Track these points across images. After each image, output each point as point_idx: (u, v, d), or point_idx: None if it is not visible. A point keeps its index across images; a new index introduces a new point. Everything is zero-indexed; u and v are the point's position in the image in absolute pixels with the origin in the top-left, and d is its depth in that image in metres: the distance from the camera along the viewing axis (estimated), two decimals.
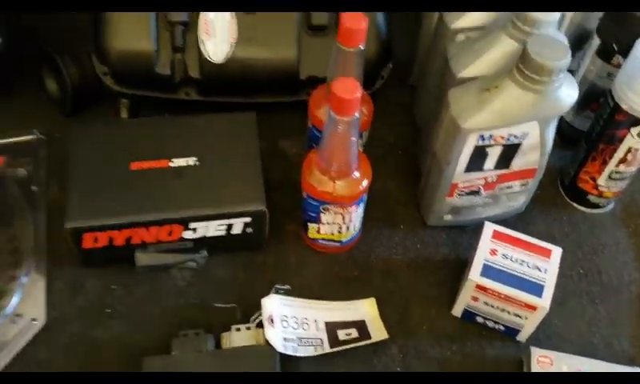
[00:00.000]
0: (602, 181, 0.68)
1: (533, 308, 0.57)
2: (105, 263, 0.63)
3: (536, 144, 0.60)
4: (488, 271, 0.58)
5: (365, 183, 0.60)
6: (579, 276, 0.67)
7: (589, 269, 0.67)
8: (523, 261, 0.58)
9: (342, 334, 0.60)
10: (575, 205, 0.72)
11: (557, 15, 0.58)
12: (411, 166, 0.74)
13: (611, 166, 0.66)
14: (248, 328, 0.58)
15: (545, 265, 0.58)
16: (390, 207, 0.71)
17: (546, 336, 0.62)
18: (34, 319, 0.60)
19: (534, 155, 0.61)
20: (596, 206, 0.71)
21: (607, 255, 0.68)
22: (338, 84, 0.52)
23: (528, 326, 0.59)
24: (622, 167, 0.66)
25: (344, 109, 0.53)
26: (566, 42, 0.58)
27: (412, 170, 0.73)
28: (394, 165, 0.75)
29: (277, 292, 0.62)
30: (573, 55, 0.75)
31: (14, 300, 0.61)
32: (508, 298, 0.57)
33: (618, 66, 0.66)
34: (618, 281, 0.66)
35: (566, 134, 0.76)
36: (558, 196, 0.74)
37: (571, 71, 0.66)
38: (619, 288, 0.66)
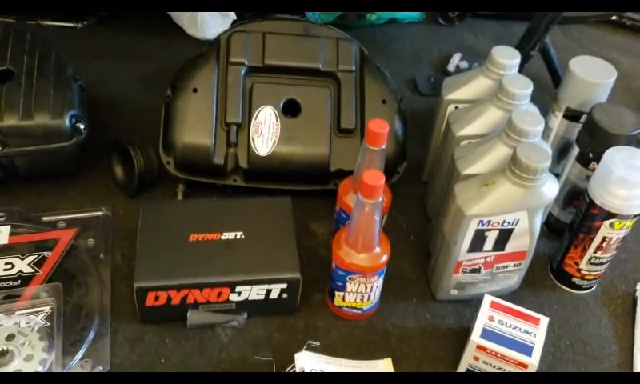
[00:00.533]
0: (583, 265, 0.80)
1: (524, 365, 0.67)
2: (161, 320, 0.74)
3: (526, 230, 0.72)
4: (487, 334, 0.69)
5: (385, 257, 0.73)
6: (566, 346, 0.77)
7: (574, 341, 0.78)
8: (516, 326, 0.69)
9: None
10: (562, 286, 0.84)
11: (541, 128, 0.72)
12: (422, 249, 0.86)
13: (590, 252, 0.78)
14: None
15: (534, 330, 0.69)
16: (403, 284, 0.83)
17: None
18: (99, 366, 0.70)
19: (524, 239, 0.74)
20: (580, 287, 0.83)
21: (590, 330, 0.79)
22: (367, 174, 0.66)
23: None
24: (599, 253, 0.78)
25: (371, 193, 0.66)
26: (548, 149, 0.72)
27: (422, 253, 0.86)
28: (407, 248, 0.87)
29: (309, 347, 0.72)
30: (558, 162, 0.90)
31: (83, 349, 0.71)
32: (503, 357, 0.67)
33: (593, 169, 0.79)
34: (600, 352, 0.77)
35: (554, 226, 0.89)
36: (548, 279, 0.85)
37: (557, 174, 0.80)
38: (601, 358, 0.76)
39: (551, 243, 0.87)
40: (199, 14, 1.15)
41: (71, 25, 1.18)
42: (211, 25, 1.16)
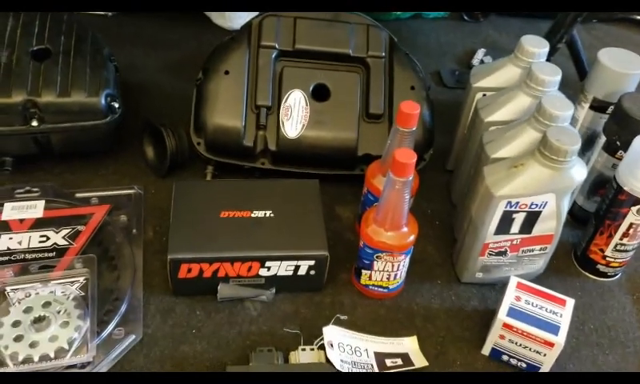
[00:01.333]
0: (609, 252, 0.81)
1: (550, 344, 0.68)
2: (192, 293, 0.76)
3: (553, 213, 0.73)
4: (513, 313, 0.70)
5: (412, 237, 0.74)
6: (590, 330, 0.78)
7: (599, 325, 0.78)
8: (542, 306, 0.70)
9: (388, 362, 0.71)
10: (587, 273, 0.84)
11: (570, 113, 0.73)
12: (446, 234, 0.88)
13: (616, 239, 0.79)
14: (312, 349, 0.70)
15: (561, 311, 0.70)
16: (428, 267, 0.84)
17: None
18: (132, 334, 0.72)
19: (551, 223, 0.74)
20: (605, 275, 0.83)
21: (614, 316, 0.80)
22: (399, 152, 0.67)
23: (546, 363, 0.70)
24: (625, 240, 0.79)
25: (403, 171, 0.67)
26: (577, 133, 0.73)
27: (447, 238, 0.87)
28: (432, 233, 0.88)
29: (337, 321, 0.74)
30: (583, 153, 0.91)
31: (117, 318, 0.73)
32: (529, 336, 0.68)
33: (620, 157, 0.80)
34: (625, 336, 0.77)
35: (578, 215, 0.89)
36: (572, 266, 0.86)
37: None
38: (625, 342, 0.77)
39: (575, 232, 0.88)
40: None
41: (102, 13, 1.20)
42: (238, 14, 1.18)
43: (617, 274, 0.84)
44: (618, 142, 0.81)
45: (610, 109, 0.86)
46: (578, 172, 0.71)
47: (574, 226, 0.89)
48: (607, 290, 0.83)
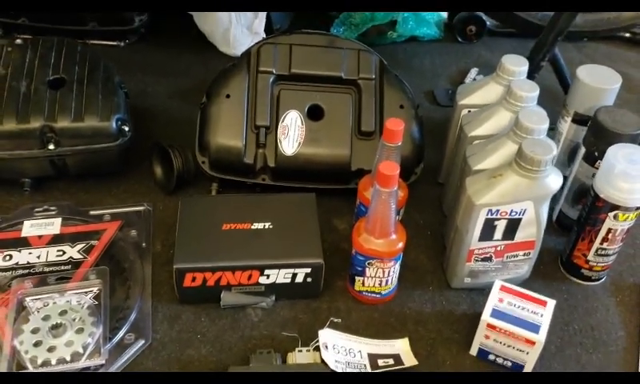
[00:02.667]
0: (591, 256, 0.85)
1: (532, 343, 0.72)
2: (197, 301, 0.81)
3: (533, 220, 0.78)
4: (496, 313, 0.74)
5: (400, 244, 0.79)
6: (574, 331, 0.82)
7: (583, 326, 0.82)
8: (524, 307, 0.75)
9: (381, 362, 0.76)
10: (572, 278, 0.88)
11: (545, 126, 0.78)
12: (438, 243, 0.92)
13: (597, 243, 0.83)
14: (308, 350, 0.75)
15: (541, 311, 0.74)
16: (420, 274, 0.88)
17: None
18: (142, 339, 0.78)
19: (532, 229, 0.79)
20: (589, 279, 0.87)
21: (598, 317, 0.84)
22: (383, 165, 0.73)
23: (530, 362, 0.74)
24: (605, 245, 0.83)
25: (387, 182, 0.72)
26: (553, 145, 0.78)
27: (438, 247, 0.92)
28: (424, 242, 0.93)
29: (331, 324, 0.79)
30: (568, 165, 0.95)
31: (127, 325, 0.79)
32: (512, 335, 0.73)
33: (599, 167, 0.85)
34: (607, 336, 0.81)
35: (563, 223, 0.94)
36: (558, 271, 0.90)
37: (566, 177, 0.86)
38: (608, 342, 0.81)
39: (561, 239, 0.92)
40: (231, 32, 1.25)
41: (114, 43, 1.28)
42: (242, 42, 1.25)
43: (601, 278, 0.88)
44: (596, 153, 0.86)
45: None
46: (554, 180, 0.76)
47: (559, 233, 0.94)
48: (592, 293, 0.87)
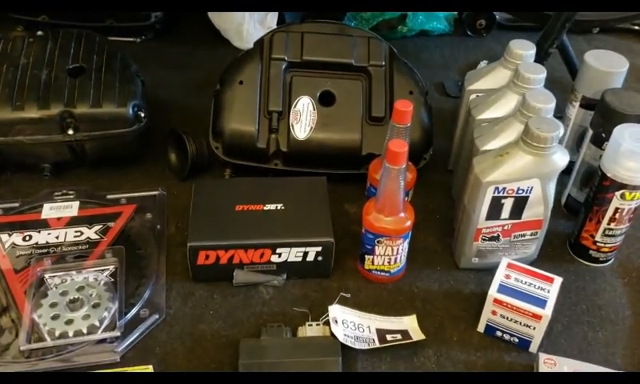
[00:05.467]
0: (598, 237, 0.86)
1: (538, 317, 0.73)
2: (210, 279, 0.83)
3: (540, 198, 0.79)
4: (503, 289, 0.75)
5: (409, 222, 0.80)
6: (582, 310, 0.82)
7: (590, 306, 0.83)
8: (531, 283, 0.76)
9: (389, 337, 0.77)
10: (580, 260, 0.89)
11: (552, 106, 0.79)
12: (446, 226, 0.93)
13: (604, 224, 0.84)
14: (318, 324, 0.77)
15: (548, 287, 0.75)
16: (429, 255, 0.90)
17: (553, 351, 0.77)
18: (156, 314, 0.80)
19: (539, 208, 0.80)
20: (597, 260, 0.88)
21: (606, 297, 0.84)
22: (392, 143, 0.74)
23: (537, 336, 0.75)
24: (612, 225, 0.84)
25: (395, 159, 0.74)
26: (559, 122, 0.79)
27: (447, 230, 0.93)
28: (433, 225, 0.94)
29: (341, 299, 0.80)
30: (577, 149, 0.96)
31: (142, 301, 0.81)
32: (519, 310, 0.74)
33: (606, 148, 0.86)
34: (615, 315, 0.82)
35: (572, 207, 0.95)
36: (567, 254, 0.91)
37: (573, 162, 0.87)
38: (615, 321, 0.81)
39: (570, 223, 0.93)
40: (244, 28, 1.28)
41: (131, 39, 1.32)
42: (255, 37, 1.27)
43: (609, 260, 0.89)
44: (603, 134, 0.87)
45: None
46: (560, 158, 0.77)
47: (569, 217, 0.95)
48: (600, 275, 0.88)
